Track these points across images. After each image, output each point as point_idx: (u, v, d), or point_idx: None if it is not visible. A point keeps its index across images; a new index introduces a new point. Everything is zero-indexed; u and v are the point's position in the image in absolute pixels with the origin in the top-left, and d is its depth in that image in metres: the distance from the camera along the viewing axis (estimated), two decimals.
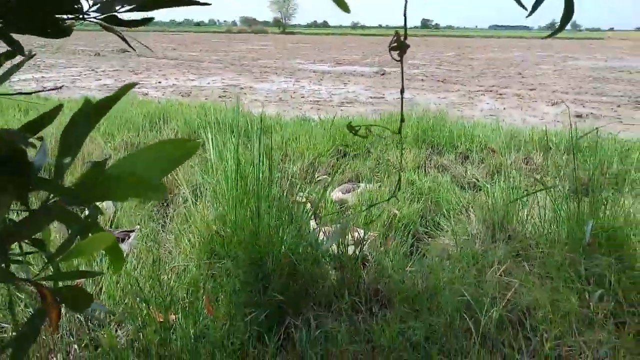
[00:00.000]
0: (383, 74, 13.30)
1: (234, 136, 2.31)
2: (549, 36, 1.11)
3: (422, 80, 12.05)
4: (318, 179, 3.60)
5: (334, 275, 1.99)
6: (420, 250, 2.50)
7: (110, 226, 2.78)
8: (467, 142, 4.61)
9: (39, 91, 1.03)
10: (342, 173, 3.78)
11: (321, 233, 2.08)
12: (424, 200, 3.10)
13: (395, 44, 0.93)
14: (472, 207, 2.91)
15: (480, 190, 3.38)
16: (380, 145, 4.44)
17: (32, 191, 0.62)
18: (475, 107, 8.08)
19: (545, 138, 4.53)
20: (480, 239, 2.53)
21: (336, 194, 3.28)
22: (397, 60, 0.93)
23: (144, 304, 1.60)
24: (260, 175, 1.96)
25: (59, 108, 0.68)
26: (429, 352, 1.50)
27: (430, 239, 2.71)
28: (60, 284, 0.75)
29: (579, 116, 7.19)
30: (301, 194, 2.59)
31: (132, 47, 1.01)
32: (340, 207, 3.10)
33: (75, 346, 1.66)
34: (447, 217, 2.90)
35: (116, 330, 1.77)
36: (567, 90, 10.21)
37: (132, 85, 0.65)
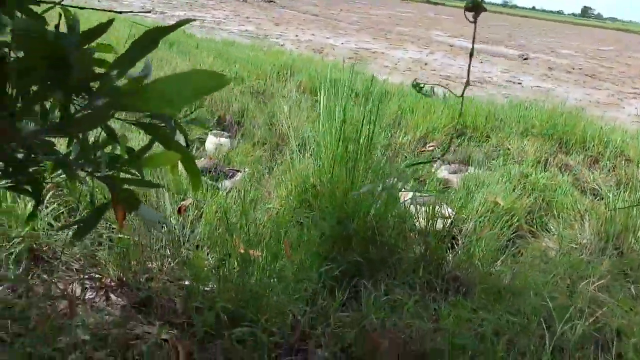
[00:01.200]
0: (526, 59, 12.37)
1: (349, 97, 2.33)
2: None
3: (569, 72, 11.02)
4: (429, 147, 3.52)
5: (417, 250, 1.97)
6: (518, 246, 2.38)
7: (223, 162, 2.99)
8: (600, 145, 4.18)
9: (131, 12, 1.13)
10: (454, 153, 3.66)
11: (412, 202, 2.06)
12: (535, 197, 2.90)
13: (471, 5, 0.89)
14: (588, 215, 2.67)
15: (602, 199, 3.08)
16: (501, 132, 4.20)
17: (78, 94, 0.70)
18: (623, 110, 7.25)
19: None
20: (588, 250, 2.33)
21: (443, 172, 3.20)
22: (471, 22, 0.89)
23: (231, 236, 1.72)
24: (362, 138, 1.97)
25: (109, 23, 0.75)
26: (495, 346, 1.44)
27: (533, 239, 2.55)
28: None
29: None
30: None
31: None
32: (444, 187, 3.02)
33: (170, 259, 1.85)
34: (557, 219, 2.70)
35: (208, 254, 1.94)
36: None
37: (187, 21, 0.70)
